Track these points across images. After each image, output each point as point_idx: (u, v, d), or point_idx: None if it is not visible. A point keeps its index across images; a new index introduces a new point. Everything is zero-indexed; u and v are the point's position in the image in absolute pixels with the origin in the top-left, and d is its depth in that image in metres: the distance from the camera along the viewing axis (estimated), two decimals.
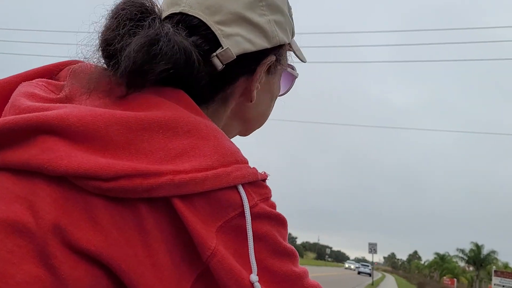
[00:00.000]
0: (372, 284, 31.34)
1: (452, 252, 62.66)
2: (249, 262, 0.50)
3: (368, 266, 35.30)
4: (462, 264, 60.18)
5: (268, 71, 0.67)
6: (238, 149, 0.55)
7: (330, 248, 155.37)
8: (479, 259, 53.82)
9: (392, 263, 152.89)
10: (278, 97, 0.75)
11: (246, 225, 0.50)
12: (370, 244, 32.67)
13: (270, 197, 0.55)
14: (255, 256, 0.50)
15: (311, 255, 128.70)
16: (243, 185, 0.51)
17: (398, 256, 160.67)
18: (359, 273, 57.43)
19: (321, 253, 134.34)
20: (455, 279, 47.29)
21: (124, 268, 0.45)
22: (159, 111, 0.51)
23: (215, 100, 0.63)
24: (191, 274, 0.49)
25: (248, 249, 0.50)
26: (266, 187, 0.55)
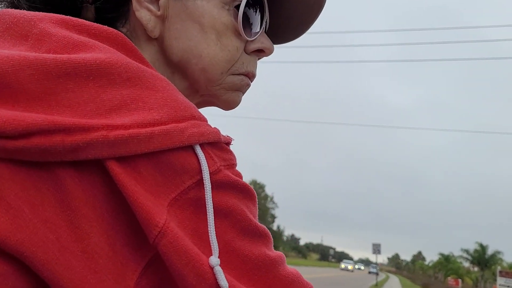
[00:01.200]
0: (376, 285, 31.11)
1: (457, 253, 62.54)
2: (210, 243, 0.40)
3: (375, 267, 37.37)
4: (466, 264, 60.03)
5: None
6: (195, 106, 0.45)
7: (334, 249, 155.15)
8: (483, 260, 53.65)
9: (396, 264, 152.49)
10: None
11: (205, 196, 0.40)
12: (374, 244, 32.50)
13: (236, 165, 0.46)
14: (219, 236, 0.41)
15: (315, 256, 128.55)
16: (201, 145, 0.42)
17: (402, 257, 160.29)
18: (369, 272, 61.30)
19: (325, 254, 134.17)
20: (460, 280, 47.10)
21: (41, 257, 0.35)
22: (88, 54, 0.40)
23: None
24: (137, 262, 0.39)
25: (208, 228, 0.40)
26: (231, 153, 0.46)
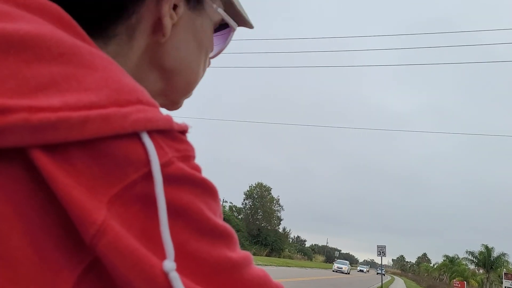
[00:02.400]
0: (381, 287, 31.63)
1: (462, 255, 62.80)
2: (162, 244, 0.33)
3: (382, 269, 38.67)
4: (472, 266, 60.32)
5: (189, 2, 0.50)
6: (144, 90, 0.37)
7: (339, 251, 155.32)
8: (489, 262, 53.90)
9: (401, 266, 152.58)
10: (212, 57, 0.60)
11: (155, 192, 0.33)
12: (378, 246, 32.96)
13: (194, 157, 0.38)
14: (172, 237, 0.33)
15: (320, 257, 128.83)
16: (149, 133, 0.34)
17: (407, 259, 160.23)
18: (377, 273, 65.66)
19: (330, 256, 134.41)
20: (465, 282, 47.43)
21: None
22: (10, 24, 0.33)
23: (116, 34, 0.45)
24: (71, 270, 0.32)
25: (160, 227, 0.33)
26: (187, 143, 0.38)
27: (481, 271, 58.90)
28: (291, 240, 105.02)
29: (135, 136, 0.33)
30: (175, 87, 0.52)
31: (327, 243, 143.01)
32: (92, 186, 0.31)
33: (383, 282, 36.58)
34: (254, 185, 72.37)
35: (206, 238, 0.36)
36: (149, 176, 0.33)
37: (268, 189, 72.25)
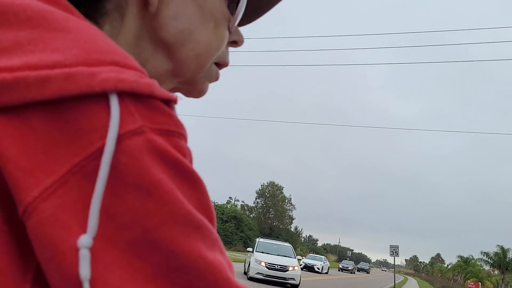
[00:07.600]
0: (394, 287, 31.40)
1: (477, 255, 62.05)
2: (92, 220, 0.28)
3: (388, 268, 38.23)
4: (487, 267, 59.63)
5: None
6: (128, 54, 0.33)
7: (351, 250, 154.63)
8: (504, 263, 53.20)
9: (414, 266, 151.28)
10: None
11: (101, 160, 0.28)
12: (391, 246, 32.70)
13: (180, 134, 0.33)
14: (134, 220, 0.28)
15: (332, 257, 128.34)
16: (121, 97, 0.30)
17: (421, 259, 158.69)
18: (382, 270, 64.81)
19: (342, 256, 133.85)
20: (480, 283, 46.91)
21: None
22: None
23: (106, 12, 0.41)
24: (23, 272, 0.29)
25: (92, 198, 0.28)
26: (171, 116, 0.32)
27: (496, 272, 58.18)
28: (303, 239, 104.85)
29: (104, 98, 0.29)
30: (185, 63, 0.47)
31: (339, 242, 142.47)
32: (52, 154, 0.28)
33: (396, 282, 36.34)
34: (266, 184, 72.40)
35: (175, 225, 0.30)
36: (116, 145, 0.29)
37: (280, 188, 72.18)
